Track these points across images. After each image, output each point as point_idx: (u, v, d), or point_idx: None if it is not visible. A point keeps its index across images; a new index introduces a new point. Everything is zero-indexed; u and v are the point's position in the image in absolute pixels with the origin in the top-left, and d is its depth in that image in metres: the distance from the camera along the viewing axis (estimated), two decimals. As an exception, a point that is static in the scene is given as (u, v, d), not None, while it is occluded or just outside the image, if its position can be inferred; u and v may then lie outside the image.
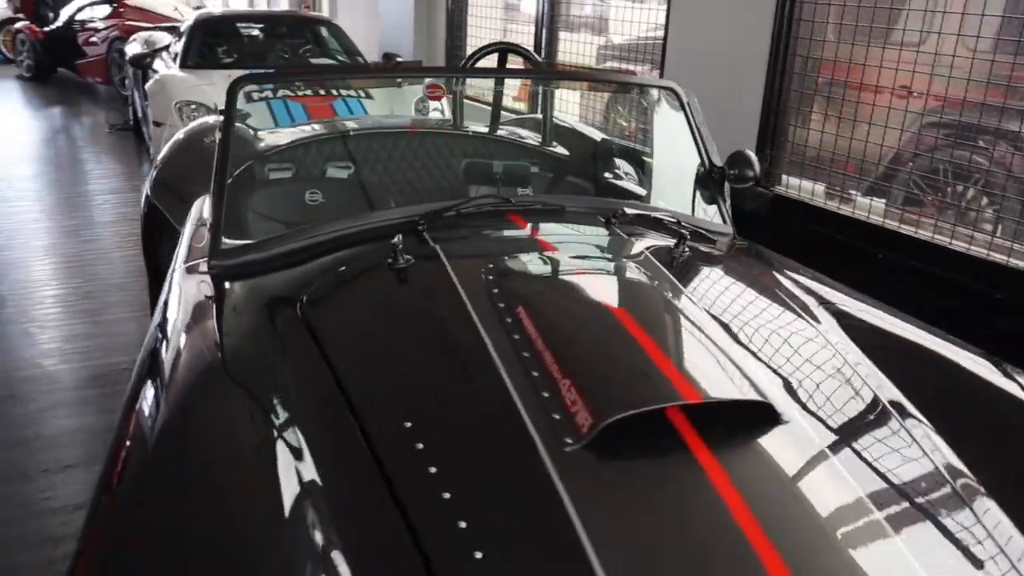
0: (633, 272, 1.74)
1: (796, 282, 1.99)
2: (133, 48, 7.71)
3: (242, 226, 2.18)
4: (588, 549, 1.02)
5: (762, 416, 1.28)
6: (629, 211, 2.11)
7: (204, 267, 1.95)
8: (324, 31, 7.16)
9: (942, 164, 3.71)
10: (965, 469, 1.30)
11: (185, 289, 1.93)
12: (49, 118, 9.86)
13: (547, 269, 1.74)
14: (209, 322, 1.72)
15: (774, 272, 2.06)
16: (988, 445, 1.39)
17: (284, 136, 2.98)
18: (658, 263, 1.80)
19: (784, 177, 4.40)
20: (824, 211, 4.11)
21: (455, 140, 3.02)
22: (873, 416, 1.41)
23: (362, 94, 5.82)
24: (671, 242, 1.98)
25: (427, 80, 3.16)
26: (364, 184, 2.75)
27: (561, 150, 3.11)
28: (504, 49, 3.56)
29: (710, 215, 2.41)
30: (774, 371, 1.47)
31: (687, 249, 1.93)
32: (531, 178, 2.59)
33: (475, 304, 1.53)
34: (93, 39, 10.93)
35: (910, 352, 1.74)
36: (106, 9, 11.47)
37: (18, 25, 12.32)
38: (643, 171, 2.90)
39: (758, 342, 1.57)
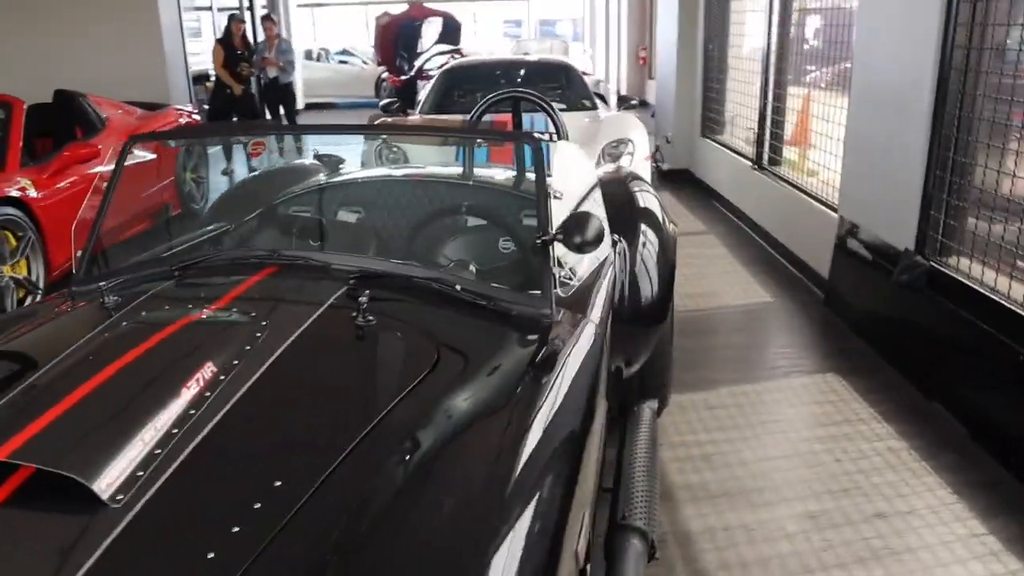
0: (227, 332, 1.65)
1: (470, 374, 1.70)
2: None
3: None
4: None
5: (84, 496, 1.19)
6: (384, 272, 2.02)
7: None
8: (570, 75, 7.27)
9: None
10: None
11: (53, 303, 2.20)
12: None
13: (170, 316, 1.75)
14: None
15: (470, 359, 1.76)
16: None
17: (313, 181, 3.18)
18: (298, 327, 1.70)
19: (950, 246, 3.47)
20: (978, 294, 3.16)
21: (457, 190, 2.95)
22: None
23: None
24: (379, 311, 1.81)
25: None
26: (339, 229, 2.81)
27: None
28: (518, 97, 3.37)
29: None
30: (194, 458, 1.31)
31: (371, 319, 1.75)
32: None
33: (76, 342, 1.63)
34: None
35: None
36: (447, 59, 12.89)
37: (383, 75, 14.44)
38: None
39: (208, 423, 1.39)
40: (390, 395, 1.53)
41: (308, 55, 17.36)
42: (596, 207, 2.80)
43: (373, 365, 1.72)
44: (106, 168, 4.58)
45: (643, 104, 13.08)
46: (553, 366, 1.79)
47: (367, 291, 1.82)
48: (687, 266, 5.34)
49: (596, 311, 2.14)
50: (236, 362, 1.55)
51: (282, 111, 9.57)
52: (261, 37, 9.86)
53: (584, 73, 8.59)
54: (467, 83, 7.24)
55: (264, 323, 1.69)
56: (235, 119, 9.17)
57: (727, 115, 7.37)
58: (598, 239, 1.98)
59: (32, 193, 4.76)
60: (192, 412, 1.40)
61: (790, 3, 5.78)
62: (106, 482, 1.21)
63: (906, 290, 3.65)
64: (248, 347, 1.60)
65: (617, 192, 3.27)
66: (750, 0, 6.69)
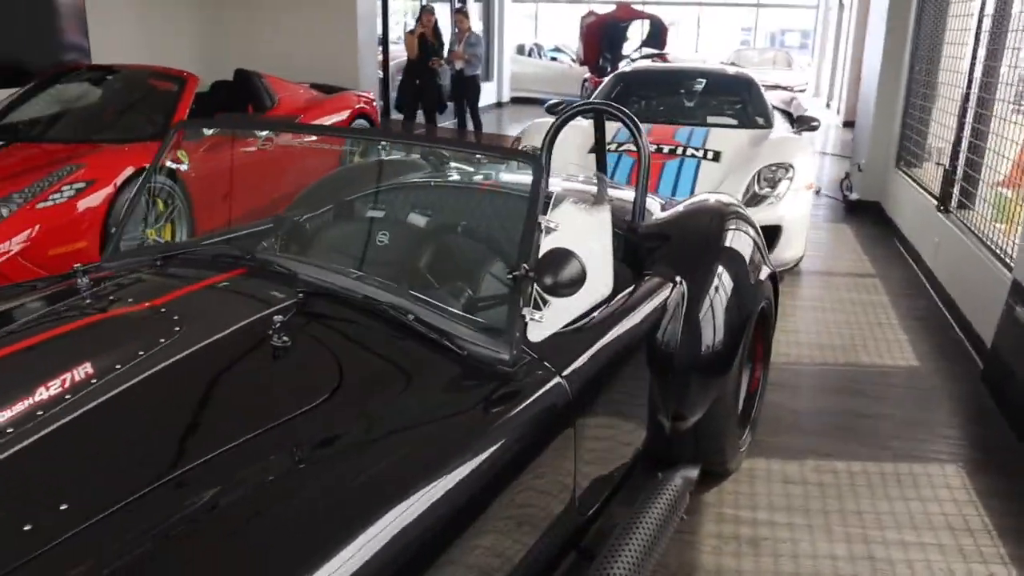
0: (131, 332, 1.60)
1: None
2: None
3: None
4: None
5: None
6: (338, 290, 1.88)
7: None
8: (751, 91, 6.71)
9: None
10: None
11: (52, 278, 2.30)
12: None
13: (92, 308, 1.75)
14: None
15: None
16: None
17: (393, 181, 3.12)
18: (205, 339, 1.61)
19: None
20: None
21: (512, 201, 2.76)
22: None
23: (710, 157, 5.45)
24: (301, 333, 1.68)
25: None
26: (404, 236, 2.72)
27: None
28: (601, 110, 3.05)
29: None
30: None
31: (285, 339, 1.63)
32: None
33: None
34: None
35: None
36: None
37: (585, 75, 14.30)
38: None
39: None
40: (256, 425, 1.39)
41: (520, 50, 17.58)
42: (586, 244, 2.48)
43: (258, 390, 1.58)
44: (250, 150, 4.81)
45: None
46: (480, 418, 1.56)
47: (293, 310, 1.71)
48: (836, 312, 4.77)
49: (575, 365, 1.85)
50: (118, 366, 1.48)
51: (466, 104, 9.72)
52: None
53: (777, 87, 7.97)
54: (641, 89, 6.87)
55: (177, 328, 1.61)
56: (421, 110, 9.45)
57: (925, 147, 6.53)
58: (575, 283, 1.72)
59: (184, 166, 5.07)
60: (39, 414, 1.34)
61: (1006, 21, 4.97)
62: None
63: (1068, 380, 2.98)
64: (142, 352, 1.53)
65: (703, 225, 2.90)
66: (974, 18, 5.86)
